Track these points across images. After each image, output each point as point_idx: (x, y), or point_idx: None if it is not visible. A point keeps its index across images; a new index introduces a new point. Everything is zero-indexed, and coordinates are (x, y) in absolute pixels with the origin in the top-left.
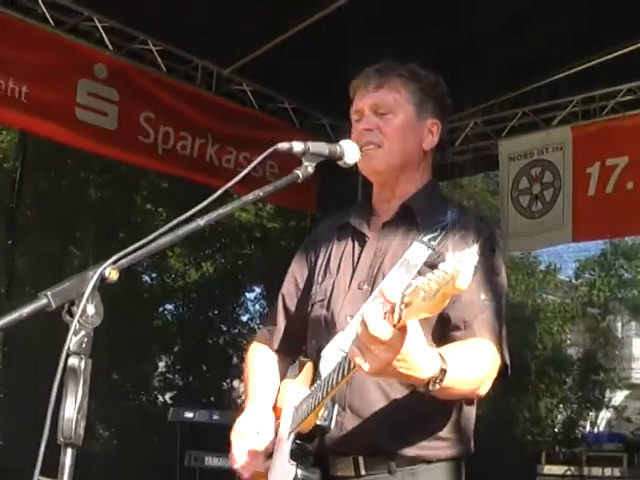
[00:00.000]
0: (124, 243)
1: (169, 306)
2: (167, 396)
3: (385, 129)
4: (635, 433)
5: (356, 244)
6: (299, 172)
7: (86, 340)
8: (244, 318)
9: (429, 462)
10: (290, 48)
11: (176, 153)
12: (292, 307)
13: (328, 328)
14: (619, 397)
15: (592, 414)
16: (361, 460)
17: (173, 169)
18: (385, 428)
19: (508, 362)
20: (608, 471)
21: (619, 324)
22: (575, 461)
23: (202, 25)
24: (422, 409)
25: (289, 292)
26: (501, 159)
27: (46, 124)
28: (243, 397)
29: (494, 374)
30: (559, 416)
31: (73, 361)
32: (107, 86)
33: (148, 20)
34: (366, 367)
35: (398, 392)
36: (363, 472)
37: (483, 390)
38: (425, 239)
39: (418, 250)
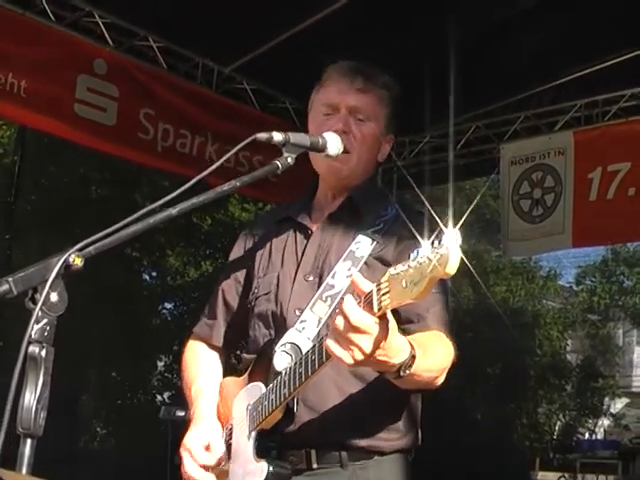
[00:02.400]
0: (125, 242)
1: (168, 305)
2: (165, 395)
3: (358, 135)
4: (634, 441)
5: (299, 236)
6: (278, 162)
7: (48, 328)
8: None
9: (381, 454)
10: (292, 47)
11: (175, 151)
12: (232, 302)
13: (277, 322)
14: (618, 405)
15: (591, 421)
16: (313, 453)
17: (172, 167)
18: (338, 421)
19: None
20: (602, 478)
21: (619, 331)
22: (569, 467)
23: (203, 23)
24: (375, 402)
25: (228, 286)
26: (502, 163)
27: (45, 119)
28: (191, 402)
29: (449, 365)
30: (558, 423)
31: (34, 349)
32: (107, 82)
33: (149, 17)
34: (348, 359)
35: (352, 386)
36: (315, 465)
37: (441, 379)
38: (369, 232)
39: (363, 242)
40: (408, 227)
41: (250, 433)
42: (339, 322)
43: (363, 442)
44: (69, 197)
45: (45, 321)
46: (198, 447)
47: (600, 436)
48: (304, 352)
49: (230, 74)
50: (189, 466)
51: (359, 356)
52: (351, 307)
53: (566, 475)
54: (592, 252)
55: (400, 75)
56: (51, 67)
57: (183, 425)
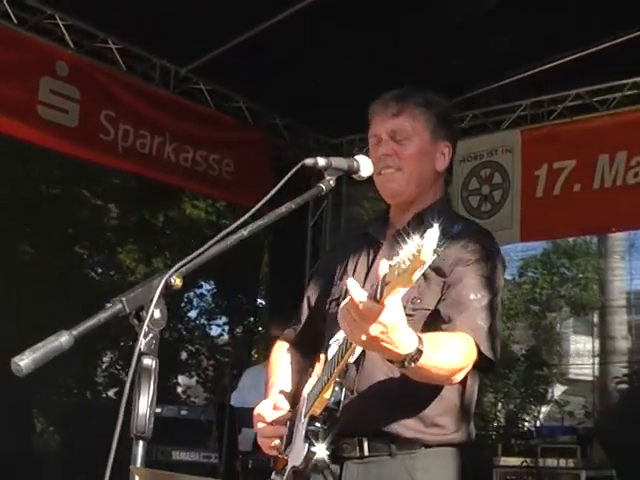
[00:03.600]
0: (73, 239)
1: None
2: (111, 392)
3: (402, 154)
4: (579, 427)
5: (370, 249)
6: (323, 185)
7: (154, 342)
8: (192, 314)
9: (428, 446)
10: (247, 49)
11: (135, 151)
12: (313, 305)
13: None
14: (557, 392)
15: (535, 408)
16: (365, 442)
17: (132, 167)
18: (388, 411)
19: (492, 357)
20: (563, 462)
21: (559, 320)
22: (530, 453)
23: (161, 25)
24: (422, 395)
25: (312, 292)
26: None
27: (9, 121)
28: (267, 391)
29: (467, 365)
30: (503, 410)
31: (147, 361)
32: (68, 84)
33: (108, 19)
34: (353, 337)
35: (401, 381)
36: (367, 453)
37: (458, 377)
38: None
39: None
40: (466, 242)
41: (304, 418)
42: (345, 302)
43: (409, 434)
44: (20, 196)
45: (151, 335)
46: (267, 409)
47: (545, 422)
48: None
49: (186, 75)
50: (261, 427)
51: (361, 336)
52: (356, 291)
53: (528, 460)
54: (535, 245)
55: (354, 74)
56: (14, 70)
57: (160, 422)
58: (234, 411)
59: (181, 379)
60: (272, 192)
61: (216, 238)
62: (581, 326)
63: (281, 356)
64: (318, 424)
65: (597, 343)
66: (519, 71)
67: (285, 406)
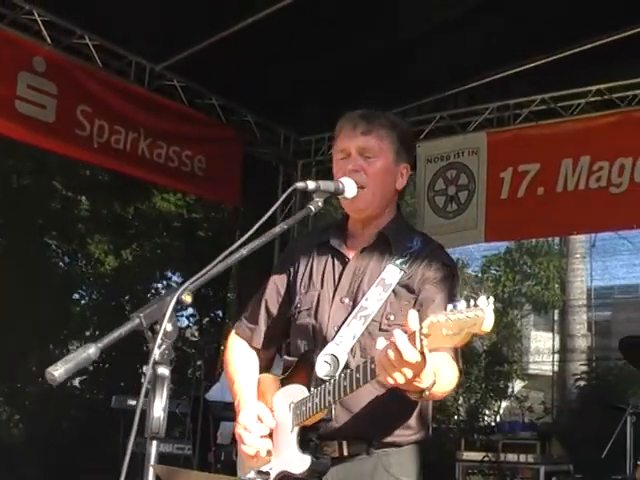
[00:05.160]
0: (43, 230)
1: (83, 292)
2: (77, 380)
3: (369, 171)
4: (538, 422)
5: (336, 262)
6: (312, 207)
7: (167, 352)
8: None
9: (399, 446)
10: (220, 48)
11: (110, 147)
12: (274, 311)
13: (316, 335)
14: (517, 387)
15: (496, 403)
16: (344, 444)
17: (107, 162)
18: (369, 420)
19: (461, 369)
20: (523, 457)
21: (520, 317)
22: (492, 448)
23: (137, 22)
24: (398, 406)
25: (271, 298)
26: (419, 161)
27: None
28: (235, 394)
29: (455, 386)
30: (464, 405)
31: (161, 370)
32: (46, 79)
33: (86, 16)
34: (391, 382)
35: (380, 394)
36: (346, 453)
37: (447, 394)
38: (397, 262)
39: (392, 272)
40: (429, 260)
41: (293, 428)
42: (391, 354)
43: (386, 437)
44: None
45: (164, 347)
46: (251, 421)
47: (504, 417)
48: (344, 365)
49: (161, 71)
50: (247, 438)
51: (401, 381)
52: (404, 344)
53: (489, 454)
54: (498, 243)
55: (324, 74)
56: None
57: (134, 414)
58: (209, 404)
59: (145, 369)
60: (268, 214)
61: (219, 258)
62: (542, 324)
63: (244, 358)
64: (309, 433)
65: (557, 340)
66: (486, 75)
67: (270, 421)
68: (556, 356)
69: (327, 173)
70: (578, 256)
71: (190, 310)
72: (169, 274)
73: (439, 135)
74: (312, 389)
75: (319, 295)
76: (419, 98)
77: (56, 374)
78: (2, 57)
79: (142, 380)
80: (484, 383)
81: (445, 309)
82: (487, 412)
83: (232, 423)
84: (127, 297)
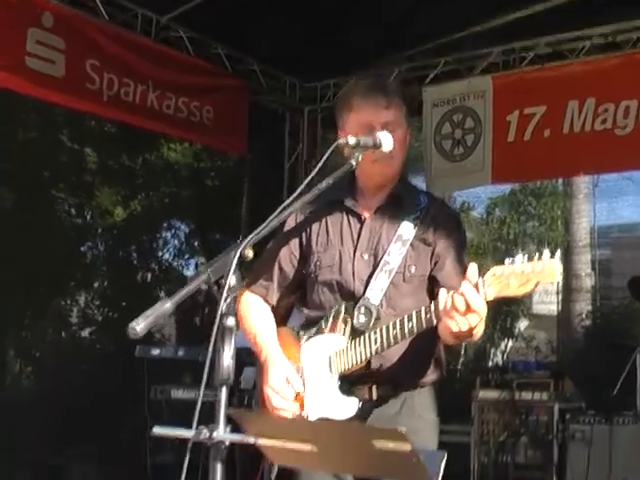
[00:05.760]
0: (50, 183)
1: (91, 242)
2: (86, 331)
3: (395, 143)
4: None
5: (352, 221)
6: (353, 162)
7: (232, 304)
8: (167, 256)
9: (422, 387)
10: None
11: (120, 99)
12: (287, 268)
13: (342, 290)
14: (525, 327)
15: (503, 343)
16: (374, 387)
17: (117, 115)
18: (397, 365)
19: None
20: (537, 395)
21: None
22: (506, 387)
23: None
24: (422, 349)
25: (284, 255)
26: (425, 105)
27: None
28: (259, 348)
29: None
30: (472, 345)
31: (229, 321)
32: (54, 35)
33: None
34: (456, 329)
35: (408, 340)
36: (375, 397)
37: None
38: (411, 218)
39: (407, 227)
40: (440, 215)
41: (333, 375)
42: (459, 302)
43: (411, 379)
44: None
45: (229, 300)
46: (280, 383)
47: (511, 357)
48: (376, 316)
49: (167, 23)
50: (276, 401)
51: (465, 328)
52: (472, 294)
53: (505, 393)
54: (503, 185)
55: (329, 21)
56: (2, 22)
57: (158, 363)
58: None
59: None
60: (316, 169)
61: (275, 213)
62: None
63: (262, 312)
64: (347, 381)
65: (562, 280)
66: (491, 19)
67: (298, 385)
68: (560, 296)
69: (333, 120)
70: (582, 197)
71: (201, 259)
72: (177, 223)
73: (445, 80)
74: (350, 339)
75: (340, 252)
76: (424, 43)
77: (138, 328)
78: (13, 15)
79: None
80: (491, 323)
81: (461, 259)
82: (495, 352)
83: (253, 368)
84: (134, 247)
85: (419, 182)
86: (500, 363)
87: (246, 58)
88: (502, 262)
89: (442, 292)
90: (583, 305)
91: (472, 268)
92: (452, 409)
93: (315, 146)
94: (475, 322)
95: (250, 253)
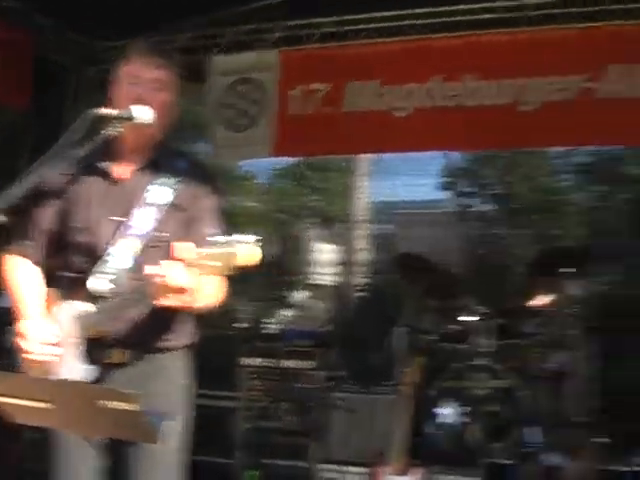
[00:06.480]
0: None
1: None
2: None
3: (156, 101)
4: (321, 329)
5: (107, 184)
6: (107, 131)
7: None
8: None
9: (170, 350)
10: None
11: None
12: (47, 229)
13: (91, 252)
14: (302, 297)
15: (279, 312)
16: (118, 351)
17: None
18: (142, 329)
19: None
20: (303, 364)
21: (306, 230)
22: (273, 355)
23: None
24: (165, 315)
25: (44, 213)
26: (212, 74)
27: None
28: (15, 305)
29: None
30: (246, 312)
31: None
32: None
33: None
34: (167, 303)
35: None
36: (126, 360)
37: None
38: (168, 183)
39: (161, 192)
40: (197, 179)
41: (80, 337)
42: (166, 280)
43: (157, 343)
44: None
45: None
46: (29, 330)
47: (289, 325)
48: (121, 282)
49: None
50: (28, 345)
51: (176, 303)
52: (175, 272)
53: (273, 361)
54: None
55: None
56: None
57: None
58: None
59: None
60: (63, 138)
61: (22, 177)
62: (326, 236)
63: (24, 271)
64: (95, 346)
65: (340, 253)
66: None
67: (51, 331)
68: (338, 268)
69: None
70: (363, 174)
71: None
72: None
73: (232, 50)
74: (96, 303)
75: (92, 214)
76: (213, 10)
77: None
78: None
79: None
80: (268, 292)
81: (214, 224)
82: (270, 320)
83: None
84: None
85: (208, 150)
86: (272, 331)
87: (33, 13)
88: (282, 234)
89: (161, 265)
90: (359, 277)
91: (179, 246)
92: (220, 375)
93: (98, 106)
94: (186, 299)
95: (2, 218)
